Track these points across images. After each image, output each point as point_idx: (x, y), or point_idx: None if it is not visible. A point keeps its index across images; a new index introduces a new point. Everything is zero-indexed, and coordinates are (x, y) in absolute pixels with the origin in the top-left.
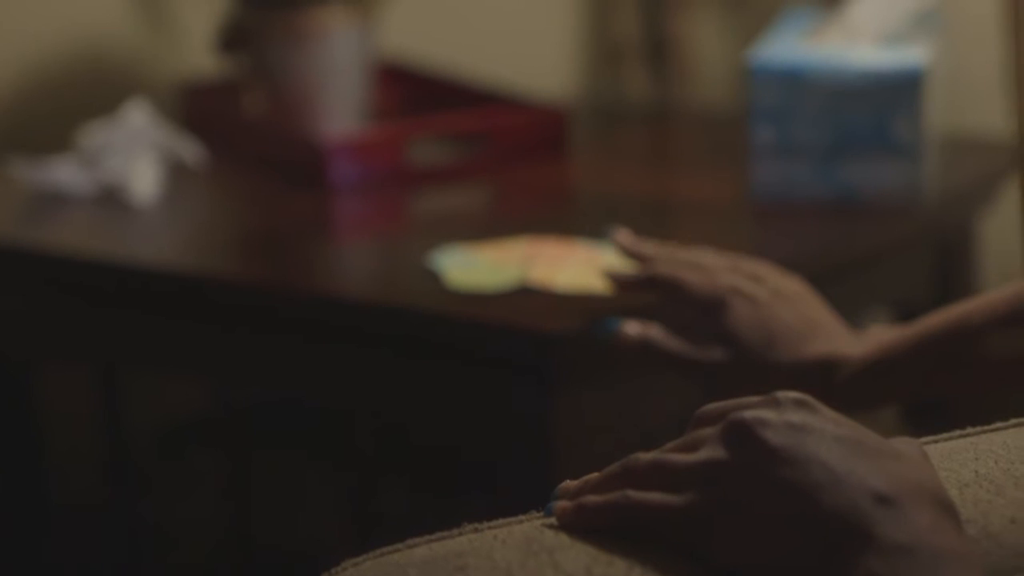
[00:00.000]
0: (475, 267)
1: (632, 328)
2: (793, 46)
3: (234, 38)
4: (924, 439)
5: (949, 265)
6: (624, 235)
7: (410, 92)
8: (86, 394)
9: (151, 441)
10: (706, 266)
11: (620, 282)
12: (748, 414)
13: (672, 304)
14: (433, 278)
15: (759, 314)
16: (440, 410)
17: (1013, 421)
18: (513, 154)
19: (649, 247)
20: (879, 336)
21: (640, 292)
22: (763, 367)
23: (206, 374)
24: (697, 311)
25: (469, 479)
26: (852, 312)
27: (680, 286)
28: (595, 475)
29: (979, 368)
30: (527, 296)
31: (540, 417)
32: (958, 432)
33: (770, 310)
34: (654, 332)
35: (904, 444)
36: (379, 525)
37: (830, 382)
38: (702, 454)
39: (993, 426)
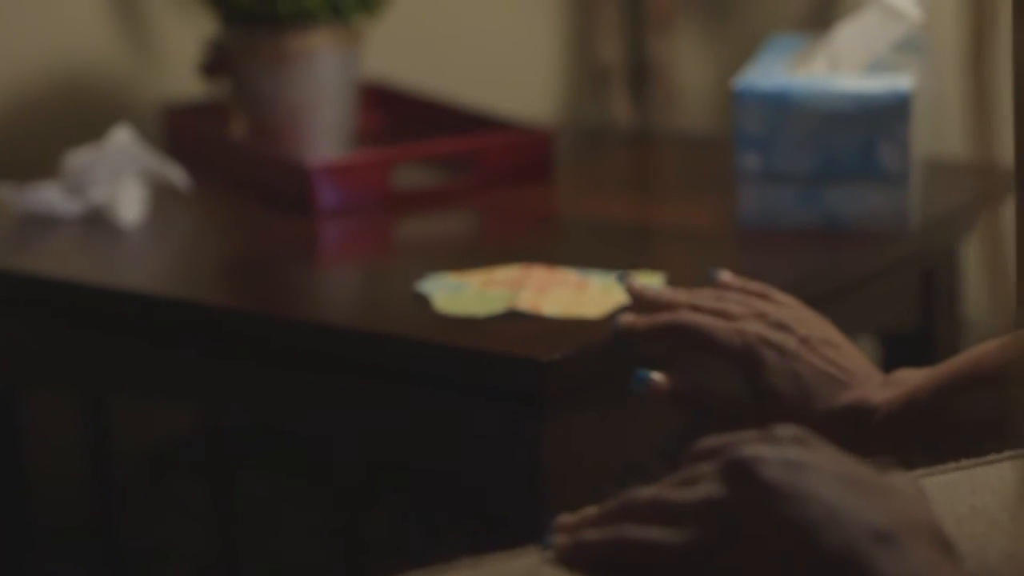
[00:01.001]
0: (463, 293)
1: (662, 381)
2: (778, 72)
3: (217, 62)
4: (919, 472)
5: (934, 290)
6: (634, 281)
7: (394, 116)
8: (71, 417)
9: (136, 464)
10: (731, 314)
11: (641, 329)
12: (746, 452)
13: (696, 352)
14: (420, 304)
15: (788, 366)
16: (429, 437)
17: (1008, 453)
18: (499, 178)
19: (667, 292)
20: (906, 379)
21: (662, 340)
22: (793, 420)
23: (190, 400)
24: (724, 361)
25: (458, 506)
26: None
27: (706, 335)
28: (593, 510)
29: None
30: (517, 323)
31: (531, 444)
32: (953, 465)
33: (799, 360)
34: (684, 385)
35: (900, 479)
36: (366, 551)
37: (862, 429)
38: (701, 491)
39: (987, 459)
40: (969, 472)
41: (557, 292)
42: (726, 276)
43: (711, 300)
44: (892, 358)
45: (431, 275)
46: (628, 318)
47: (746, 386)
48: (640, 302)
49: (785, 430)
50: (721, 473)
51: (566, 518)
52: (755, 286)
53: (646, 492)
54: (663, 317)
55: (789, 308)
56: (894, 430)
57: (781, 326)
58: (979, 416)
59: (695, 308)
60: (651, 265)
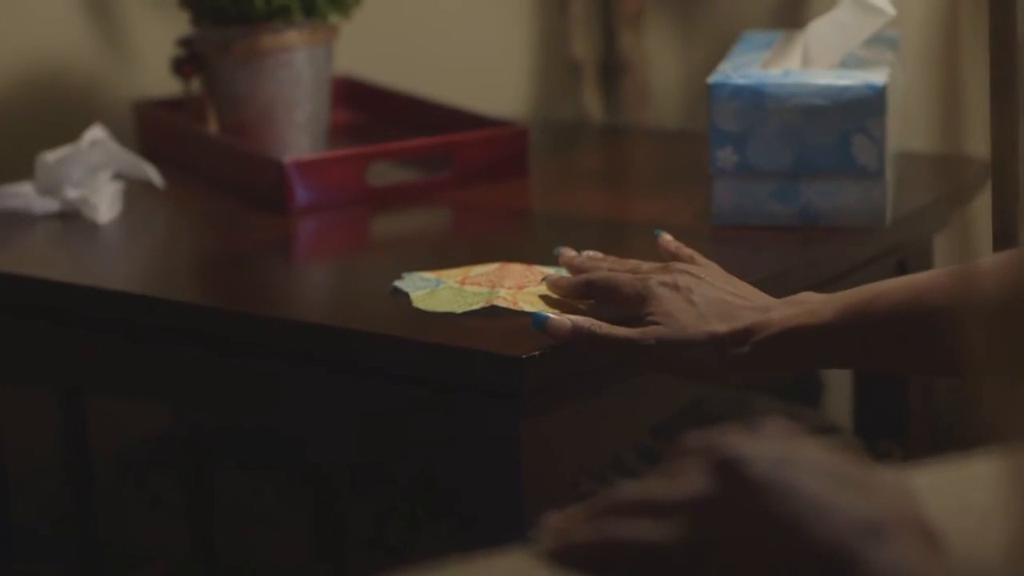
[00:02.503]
0: (440, 290)
1: (561, 321)
2: (753, 68)
3: (191, 59)
4: (907, 467)
5: None
6: (567, 251)
7: (368, 112)
8: (47, 414)
9: (113, 462)
10: (639, 269)
11: (560, 287)
12: (732, 450)
13: (607, 304)
14: (397, 301)
15: (685, 296)
16: (407, 434)
17: (996, 447)
18: (474, 174)
19: (589, 260)
20: (807, 299)
21: (579, 296)
22: (695, 340)
23: (166, 398)
24: (630, 307)
25: (437, 502)
26: None
27: (611, 287)
28: (580, 509)
29: (932, 348)
30: (495, 319)
31: (509, 440)
32: (941, 460)
33: (692, 292)
34: (587, 322)
35: (887, 473)
36: (344, 549)
37: (760, 345)
38: (688, 490)
39: (976, 453)
40: (958, 467)
41: (536, 289)
42: (667, 237)
43: (627, 264)
44: None
45: (408, 272)
46: (553, 277)
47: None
48: (571, 268)
49: (771, 423)
50: (708, 471)
51: (554, 518)
52: (686, 251)
53: (633, 490)
54: (580, 276)
55: (702, 266)
56: (789, 346)
57: (684, 272)
58: (875, 341)
59: (611, 270)
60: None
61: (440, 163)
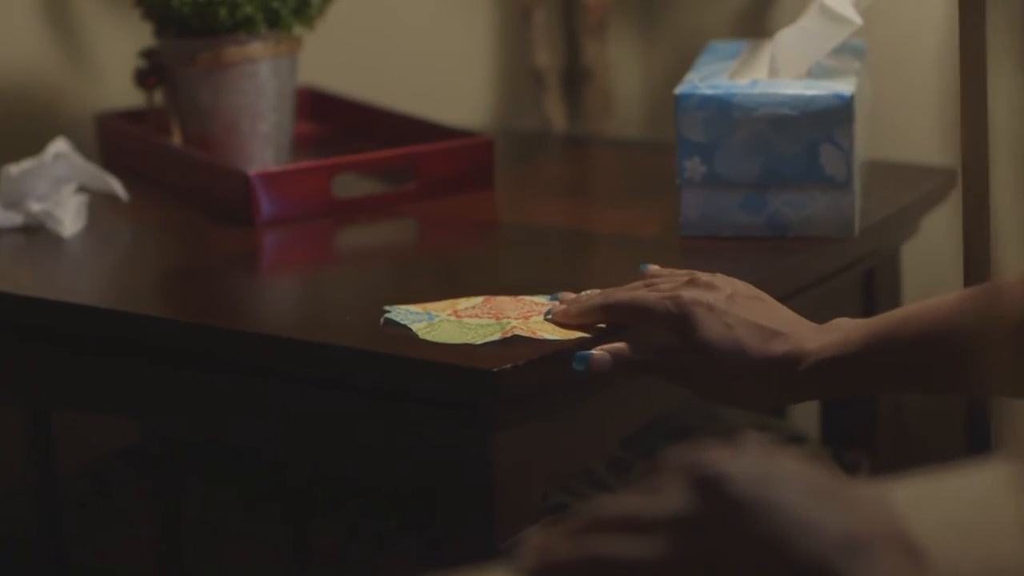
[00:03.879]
0: (439, 323)
1: (603, 357)
2: (719, 78)
3: (154, 71)
4: (888, 482)
5: (876, 292)
6: (567, 295)
7: (332, 123)
8: (13, 429)
9: (80, 477)
10: (660, 289)
11: (571, 316)
12: (713, 467)
13: (635, 325)
14: (364, 315)
15: (720, 320)
16: (378, 448)
17: (975, 461)
18: (439, 185)
19: (596, 294)
20: (840, 326)
21: (594, 322)
22: (733, 368)
23: (133, 412)
24: (662, 328)
25: (408, 516)
26: None
27: (639, 307)
28: (562, 525)
29: (957, 370)
30: None
31: (481, 454)
32: (922, 474)
33: (728, 315)
34: (623, 351)
35: (869, 489)
36: (313, 564)
37: (796, 375)
38: (670, 507)
39: (956, 467)
40: (939, 481)
41: (538, 320)
42: (654, 268)
43: (640, 285)
44: None
45: (391, 306)
46: (558, 308)
47: (686, 346)
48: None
49: (751, 440)
50: (689, 488)
51: (536, 534)
52: (681, 271)
53: (614, 507)
54: (595, 300)
55: (715, 275)
56: (825, 376)
57: (711, 286)
58: (904, 367)
59: (626, 288)
60: (594, 272)
61: (405, 174)
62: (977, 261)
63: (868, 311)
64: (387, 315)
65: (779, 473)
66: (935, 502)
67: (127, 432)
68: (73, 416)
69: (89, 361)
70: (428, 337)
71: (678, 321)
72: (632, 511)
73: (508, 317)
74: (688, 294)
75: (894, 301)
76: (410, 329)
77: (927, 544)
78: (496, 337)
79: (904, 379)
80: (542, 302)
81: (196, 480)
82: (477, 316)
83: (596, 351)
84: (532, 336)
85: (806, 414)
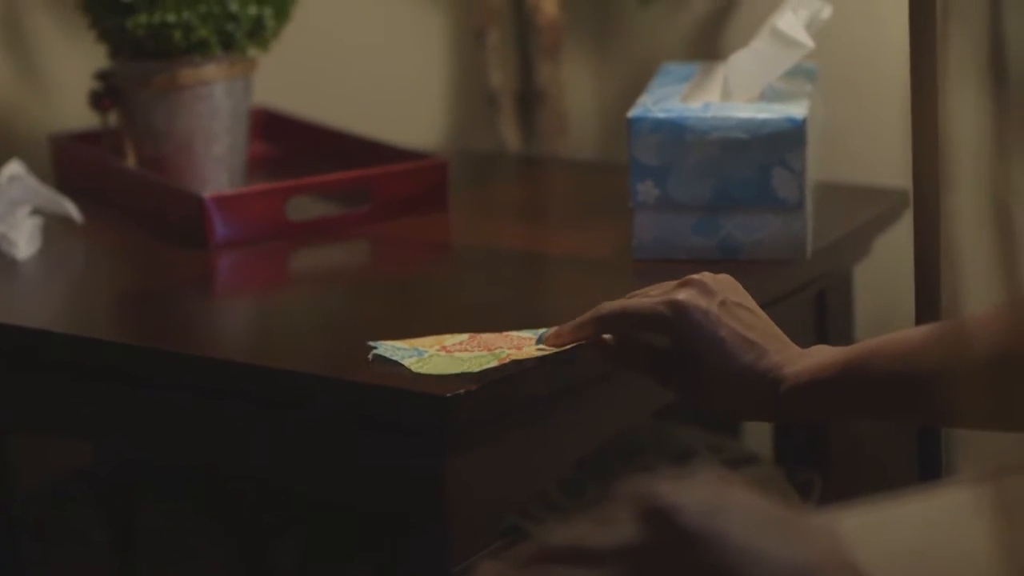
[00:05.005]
0: (429, 358)
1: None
2: (672, 101)
3: (109, 93)
4: (839, 510)
5: (827, 313)
6: (550, 331)
7: (287, 144)
8: None
9: (36, 498)
10: (650, 295)
11: (563, 336)
12: (662, 499)
13: (629, 332)
14: (318, 339)
15: (713, 329)
16: (332, 471)
17: (924, 487)
18: (394, 207)
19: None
20: (820, 352)
21: (593, 334)
22: (717, 375)
23: (88, 434)
24: (654, 332)
25: (362, 538)
26: None
27: (632, 313)
28: (512, 556)
29: (925, 404)
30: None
31: (435, 478)
32: (872, 502)
33: (721, 325)
34: (611, 345)
35: (819, 519)
36: None
37: (771, 396)
38: (620, 538)
39: (905, 494)
40: (890, 508)
41: (531, 349)
42: (551, 334)
43: (630, 296)
44: None
45: (377, 342)
46: (550, 331)
47: (674, 350)
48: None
49: (702, 471)
50: (638, 520)
51: (486, 564)
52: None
53: (565, 537)
54: (586, 315)
55: (709, 275)
56: (800, 400)
57: (705, 290)
58: (874, 398)
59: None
60: (548, 294)
61: (359, 196)
62: (928, 283)
63: (820, 331)
64: (375, 351)
65: (728, 504)
66: (884, 530)
67: (82, 453)
68: (28, 437)
69: (43, 383)
70: (422, 370)
71: (672, 324)
72: (582, 541)
73: (500, 347)
74: (684, 297)
75: (846, 322)
76: (401, 364)
77: (876, 573)
78: (493, 364)
79: (874, 409)
80: (528, 336)
81: (151, 500)
82: (467, 350)
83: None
84: (531, 358)
85: (759, 435)
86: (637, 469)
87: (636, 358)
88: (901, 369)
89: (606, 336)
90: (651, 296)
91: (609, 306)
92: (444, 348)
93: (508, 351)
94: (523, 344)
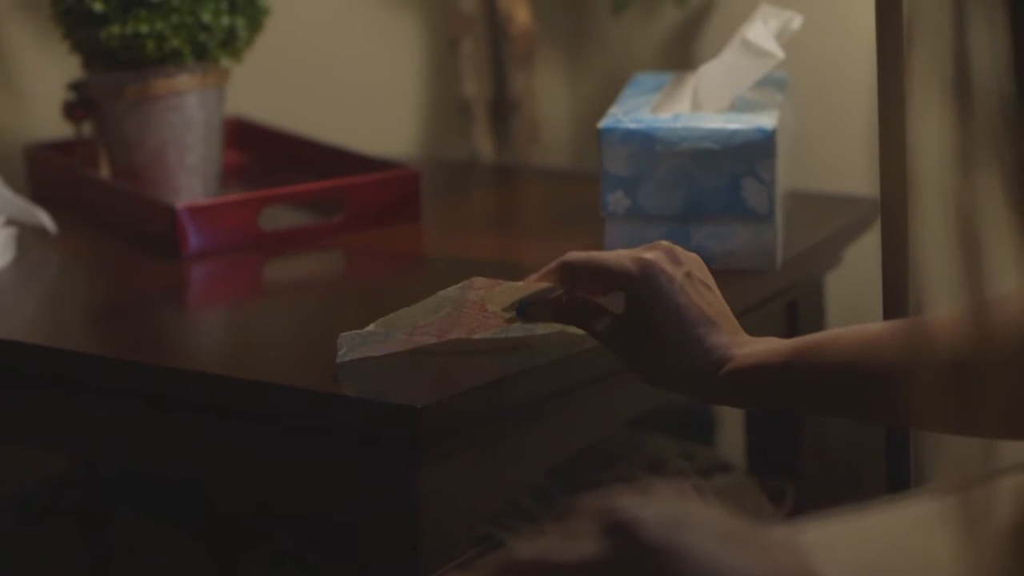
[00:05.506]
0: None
1: (543, 307)
2: (643, 111)
3: (82, 103)
4: (803, 523)
5: (799, 322)
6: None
7: (260, 153)
8: None
9: (9, 510)
10: (624, 251)
11: (539, 278)
12: (625, 512)
13: (592, 284)
14: (289, 349)
15: (674, 297)
16: (304, 482)
17: (891, 498)
18: (366, 217)
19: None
20: (768, 341)
21: (556, 280)
22: (668, 346)
23: (62, 446)
24: (617, 287)
25: (334, 549)
26: None
27: (598, 264)
28: (476, 568)
29: (875, 399)
30: (390, 369)
31: (406, 488)
32: (835, 515)
33: (684, 294)
34: (565, 306)
35: (780, 532)
36: None
37: (715, 376)
38: (583, 552)
39: (871, 505)
40: (853, 521)
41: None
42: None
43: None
44: None
45: (347, 333)
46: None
47: (628, 313)
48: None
49: (664, 485)
50: (601, 534)
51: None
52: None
53: (529, 550)
54: (552, 263)
55: (676, 247)
56: (742, 381)
57: (675, 257)
58: (823, 389)
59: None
60: None
61: (332, 206)
62: (896, 294)
63: None
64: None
65: (690, 518)
66: (847, 543)
67: (54, 464)
68: (2, 449)
69: (15, 395)
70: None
71: (635, 282)
72: (546, 555)
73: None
74: (652, 257)
75: (817, 330)
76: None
77: None
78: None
79: (819, 400)
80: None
81: (123, 511)
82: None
83: (538, 303)
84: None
85: (732, 443)
86: (610, 478)
87: (586, 317)
88: (854, 361)
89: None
90: (620, 253)
91: (575, 254)
92: (415, 331)
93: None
94: (479, 327)
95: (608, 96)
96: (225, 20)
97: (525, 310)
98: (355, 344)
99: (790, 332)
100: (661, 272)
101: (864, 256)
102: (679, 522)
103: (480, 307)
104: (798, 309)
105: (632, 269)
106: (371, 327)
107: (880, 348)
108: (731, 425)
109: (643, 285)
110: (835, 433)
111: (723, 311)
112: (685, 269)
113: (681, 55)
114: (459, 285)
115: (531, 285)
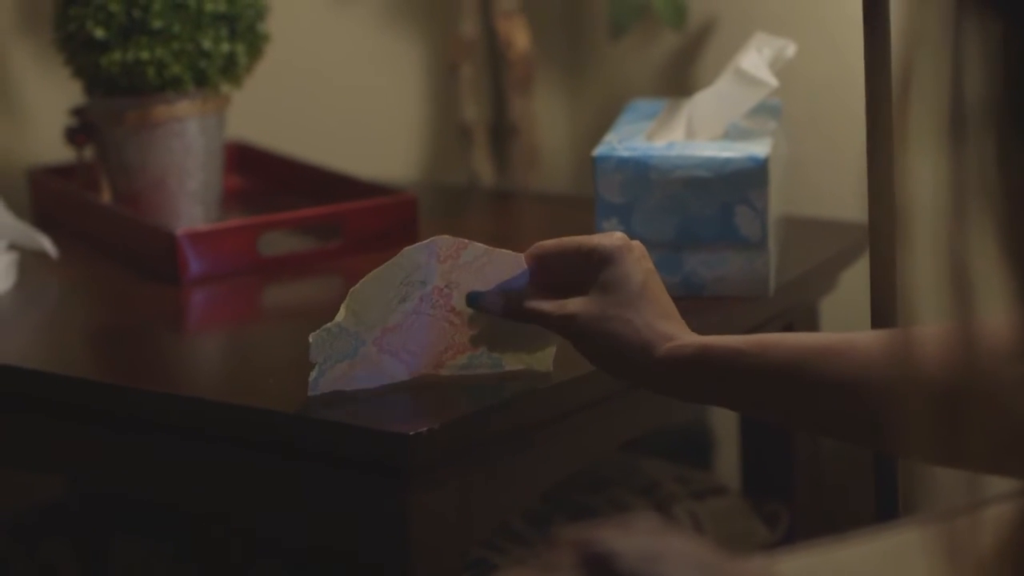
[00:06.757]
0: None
1: (495, 298)
2: (637, 140)
3: (84, 129)
4: (780, 555)
5: None
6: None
7: (260, 177)
8: None
9: (3, 530)
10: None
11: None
12: (602, 547)
13: (562, 259)
14: (284, 376)
15: (638, 273)
16: (298, 508)
17: (864, 532)
18: (364, 242)
19: None
20: (717, 337)
21: (532, 256)
22: (614, 321)
23: (60, 469)
24: (584, 261)
25: (327, 574)
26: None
27: (570, 241)
28: None
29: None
30: (384, 397)
31: (398, 515)
32: (812, 548)
33: (648, 278)
34: (518, 297)
35: (755, 566)
36: None
37: (657, 353)
38: None
39: (846, 538)
40: (830, 553)
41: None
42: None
43: None
44: (747, 418)
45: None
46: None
47: (593, 287)
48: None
49: (640, 519)
50: (579, 565)
51: None
52: None
53: None
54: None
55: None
56: (678, 363)
57: (644, 252)
58: (760, 388)
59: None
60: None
61: (330, 231)
62: (885, 323)
63: None
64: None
65: (665, 551)
66: (826, 574)
67: (51, 487)
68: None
69: (14, 419)
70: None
71: (611, 252)
72: None
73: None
74: (632, 240)
75: None
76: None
77: None
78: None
79: (758, 399)
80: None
81: (120, 534)
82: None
83: (490, 292)
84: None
85: (727, 466)
86: (603, 501)
87: (544, 313)
88: (810, 355)
89: (516, 291)
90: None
91: (545, 242)
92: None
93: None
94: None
95: (606, 121)
96: (225, 47)
97: (476, 300)
98: (326, 356)
99: None
100: (637, 247)
101: (859, 281)
102: (656, 555)
103: (447, 306)
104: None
105: (608, 240)
106: (342, 310)
107: (824, 359)
108: (726, 449)
109: (617, 254)
110: (827, 455)
111: (675, 311)
112: (651, 265)
113: (679, 80)
114: (425, 245)
115: (497, 253)
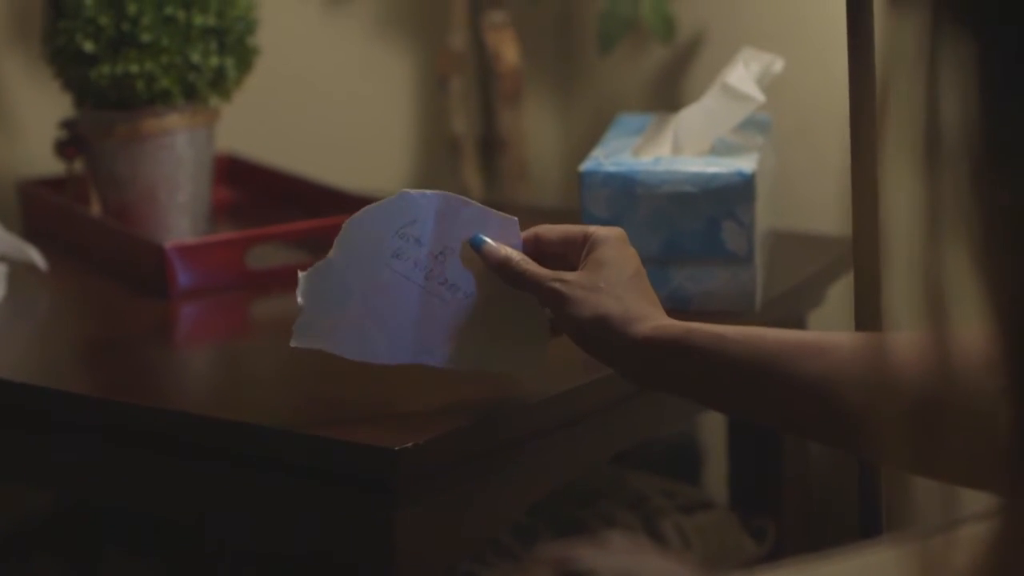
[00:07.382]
0: None
1: (496, 250)
2: (624, 155)
3: (73, 142)
4: (760, 571)
5: None
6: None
7: (250, 190)
8: None
9: None
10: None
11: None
12: (580, 564)
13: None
14: (271, 390)
15: (629, 261)
16: (285, 522)
17: (847, 549)
18: None
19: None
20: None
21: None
22: (603, 300)
23: (49, 483)
24: (580, 243)
25: None
26: (687, 415)
27: (569, 227)
28: None
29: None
30: (374, 411)
31: (386, 530)
32: (793, 565)
33: (640, 269)
34: (515, 255)
35: None
36: None
37: (629, 333)
38: None
39: (828, 555)
40: (812, 570)
41: None
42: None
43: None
44: (735, 432)
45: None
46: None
47: (584, 267)
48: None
49: (618, 536)
50: None
51: None
52: None
53: None
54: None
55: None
56: (656, 345)
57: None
58: (731, 381)
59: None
60: None
61: (320, 244)
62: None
63: None
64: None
65: (642, 569)
66: None
67: (42, 501)
68: None
69: (3, 432)
70: None
71: (606, 236)
72: None
73: None
74: (623, 231)
75: None
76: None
77: None
78: None
79: (736, 389)
80: None
81: (111, 548)
82: None
83: (494, 245)
84: None
85: (714, 481)
86: (592, 515)
87: (539, 282)
88: (792, 351)
89: (519, 255)
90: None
91: (547, 227)
92: None
93: None
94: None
95: (595, 134)
96: (214, 60)
97: (479, 245)
98: (314, 300)
99: None
100: (622, 238)
101: (847, 295)
102: (631, 572)
103: (439, 276)
104: None
105: (605, 228)
106: (334, 247)
107: (804, 356)
108: (714, 463)
109: (614, 240)
110: (816, 470)
111: (662, 308)
112: (641, 264)
113: (668, 93)
114: (423, 193)
115: (495, 216)
